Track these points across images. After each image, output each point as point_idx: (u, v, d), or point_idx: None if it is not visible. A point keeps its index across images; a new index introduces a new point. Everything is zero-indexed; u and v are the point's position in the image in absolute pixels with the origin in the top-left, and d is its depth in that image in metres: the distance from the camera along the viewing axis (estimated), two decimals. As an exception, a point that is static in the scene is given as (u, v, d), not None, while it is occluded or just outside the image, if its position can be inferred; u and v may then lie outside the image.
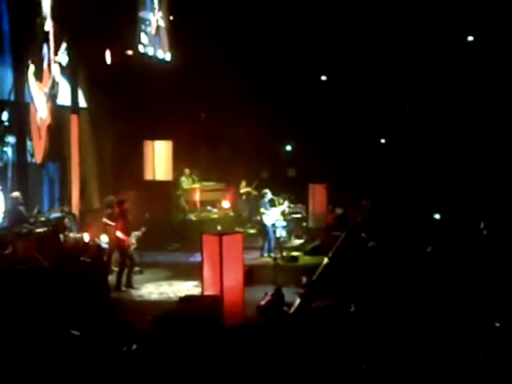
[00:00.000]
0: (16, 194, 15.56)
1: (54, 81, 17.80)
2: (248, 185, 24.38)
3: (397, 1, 26.42)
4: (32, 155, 17.29)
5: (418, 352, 10.11)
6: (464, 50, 27.61)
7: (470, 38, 28.10)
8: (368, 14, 26.80)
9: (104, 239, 16.39)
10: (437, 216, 21.97)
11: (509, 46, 25.83)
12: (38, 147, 17.34)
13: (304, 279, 15.49)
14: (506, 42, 25.86)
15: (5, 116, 16.44)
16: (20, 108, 16.96)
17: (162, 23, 24.50)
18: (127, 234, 15.66)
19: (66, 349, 7.78)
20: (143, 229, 16.36)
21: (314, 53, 27.34)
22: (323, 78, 29.95)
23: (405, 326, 11.29)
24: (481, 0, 25.67)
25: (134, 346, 9.44)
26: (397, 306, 12.63)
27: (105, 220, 16.57)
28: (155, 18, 24.21)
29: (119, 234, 15.52)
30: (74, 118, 18.82)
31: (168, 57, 24.97)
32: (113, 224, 16.04)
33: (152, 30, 23.85)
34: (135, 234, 16.05)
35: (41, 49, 17.55)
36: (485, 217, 19.54)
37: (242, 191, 24.38)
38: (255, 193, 23.59)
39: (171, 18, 25.08)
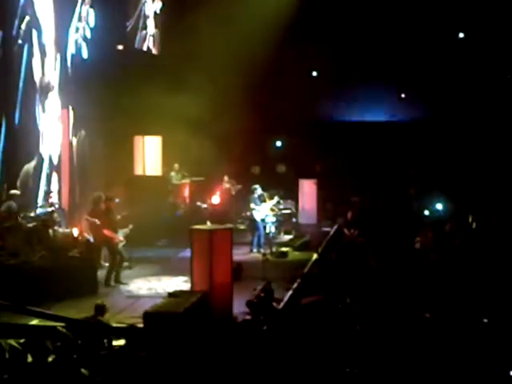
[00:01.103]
0: (15, 191, 15.59)
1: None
2: (230, 179, 24.31)
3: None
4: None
5: (408, 348, 10.15)
6: (455, 47, 27.68)
7: (461, 35, 28.19)
8: (360, 11, 26.81)
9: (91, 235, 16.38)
10: (426, 212, 22.05)
11: (499, 42, 25.93)
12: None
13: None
14: (497, 38, 25.96)
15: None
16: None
17: (151, 18, 24.46)
18: (114, 230, 15.62)
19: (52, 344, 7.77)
20: (130, 226, 16.28)
21: (306, 47, 27.34)
22: (314, 73, 29.95)
23: (394, 322, 11.33)
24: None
25: (118, 342, 9.44)
26: (386, 301, 12.69)
27: (86, 217, 16.44)
28: (150, 18, 24.23)
29: (107, 231, 15.48)
30: (63, 113, 18.75)
31: (158, 51, 24.94)
32: (95, 221, 15.90)
33: (143, 24, 23.79)
34: (123, 231, 15.98)
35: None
36: (474, 211, 19.60)
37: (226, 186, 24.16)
38: (239, 186, 23.68)
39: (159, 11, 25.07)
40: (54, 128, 18.32)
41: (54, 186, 18.23)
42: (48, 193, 17.69)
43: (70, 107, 19.00)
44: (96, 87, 19.88)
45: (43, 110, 17.76)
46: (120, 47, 21.57)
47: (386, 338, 10.56)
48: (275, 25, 25.74)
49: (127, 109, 20.71)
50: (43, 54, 17.78)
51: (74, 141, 19.35)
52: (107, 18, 20.49)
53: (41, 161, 17.65)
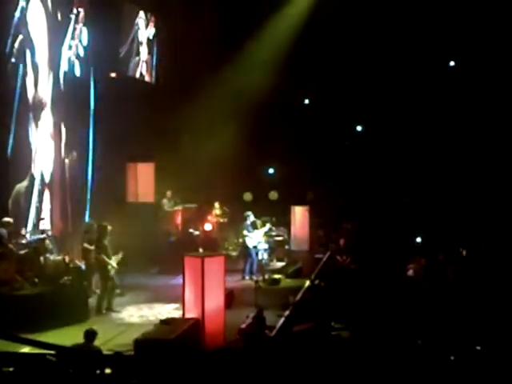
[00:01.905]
0: (8, 219, 15.51)
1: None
2: (221, 206, 24.29)
3: (379, 25, 26.62)
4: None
5: (400, 373, 10.11)
6: (446, 75, 27.87)
7: (452, 63, 28.42)
8: (350, 39, 26.99)
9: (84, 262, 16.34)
10: (418, 239, 22.05)
11: (488, 70, 26.13)
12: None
13: (291, 299, 15.52)
14: (486, 66, 26.17)
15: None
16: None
17: (145, 44, 24.54)
18: (108, 257, 15.59)
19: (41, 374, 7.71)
20: (121, 253, 16.23)
21: (296, 74, 27.49)
22: (306, 101, 30.09)
23: (386, 348, 11.29)
24: (461, 27, 25.93)
25: (108, 370, 9.37)
26: (379, 327, 12.65)
27: (86, 245, 16.49)
28: (143, 45, 24.31)
29: (103, 257, 15.47)
30: (55, 133, 18.74)
31: (151, 78, 25.00)
32: (91, 248, 15.96)
33: (136, 50, 23.84)
34: (115, 257, 15.96)
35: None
36: (465, 241, 19.63)
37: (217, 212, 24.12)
38: (223, 220, 23.71)
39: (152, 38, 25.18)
40: (46, 145, 18.24)
41: (46, 204, 18.09)
42: (39, 214, 17.57)
43: (63, 125, 18.96)
44: (88, 111, 19.96)
45: (36, 128, 17.72)
46: (113, 75, 21.60)
47: (379, 364, 10.51)
48: (268, 54, 25.95)
49: (120, 136, 20.73)
50: (36, 72, 17.76)
51: (66, 161, 19.31)
52: (100, 40, 20.46)
53: (32, 179, 17.55)
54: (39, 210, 17.70)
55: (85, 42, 20.14)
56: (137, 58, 23.82)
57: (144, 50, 24.46)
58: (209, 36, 24.83)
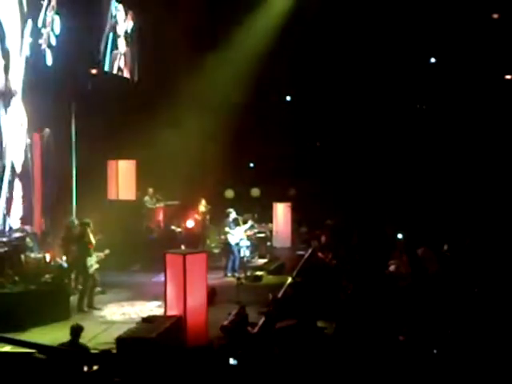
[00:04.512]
0: None
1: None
2: (207, 203, 24.23)
3: (360, 23, 26.68)
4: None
5: (383, 370, 10.14)
6: (427, 71, 27.99)
7: (433, 60, 28.55)
8: (331, 35, 27.03)
9: (65, 259, 16.24)
10: (399, 235, 22.09)
11: (468, 67, 26.28)
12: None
13: (270, 296, 15.52)
14: (466, 63, 26.31)
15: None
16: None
17: (122, 37, 24.35)
18: (88, 254, 15.49)
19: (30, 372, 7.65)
20: (107, 251, 16.17)
21: (279, 72, 27.51)
22: (288, 98, 30.12)
23: (369, 345, 11.32)
24: (442, 24, 26.03)
25: (95, 367, 9.33)
26: (360, 324, 12.69)
27: (58, 242, 16.37)
28: (121, 38, 24.15)
29: (81, 255, 15.39)
30: (36, 137, 18.63)
31: (132, 76, 24.89)
32: (67, 246, 15.86)
33: (114, 43, 23.65)
34: (97, 254, 15.89)
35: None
36: (448, 238, 19.68)
37: (202, 209, 24.03)
38: (204, 217, 23.66)
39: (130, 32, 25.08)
40: (16, 134, 17.94)
41: (18, 193, 17.85)
42: (10, 204, 17.34)
43: (35, 114, 18.71)
44: (70, 112, 19.81)
45: (5, 115, 17.46)
46: (94, 71, 21.43)
47: (361, 360, 10.54)
48: (250, 50, 25.94)
49: (101, 133, 20.63)
50: (7, 58, 17.46)
51: (48, 165, 19.16)
52: (75, 31, 20.04)
53: (2, 168, 17.33)
54: (10, 195, 17.41)
55: (57, 30, 19.44)
56: (115, 52, 23.56)
57: (122, 43, 24.18)
58: (188, 31, 24.75)
